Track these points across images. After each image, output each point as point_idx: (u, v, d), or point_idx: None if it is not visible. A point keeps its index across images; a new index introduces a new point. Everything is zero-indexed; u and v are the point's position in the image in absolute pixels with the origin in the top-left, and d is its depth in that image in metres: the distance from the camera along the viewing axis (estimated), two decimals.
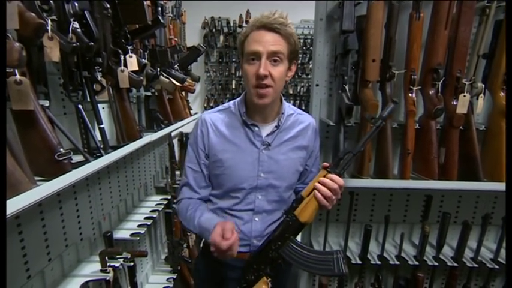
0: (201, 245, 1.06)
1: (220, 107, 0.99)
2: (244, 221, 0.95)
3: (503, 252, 1.43)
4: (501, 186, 1.19)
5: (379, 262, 1.41)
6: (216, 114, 0.96)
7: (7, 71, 0.58)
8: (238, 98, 0.97)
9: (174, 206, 1.62)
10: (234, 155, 0.92)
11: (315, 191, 0.80)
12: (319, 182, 0.80)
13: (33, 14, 0.62)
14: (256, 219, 0.95)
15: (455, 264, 1.41)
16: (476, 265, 1.41)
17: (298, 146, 0.95)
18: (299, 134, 0.96)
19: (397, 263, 1.40)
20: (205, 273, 1.03)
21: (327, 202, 0.80)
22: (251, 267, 0.89)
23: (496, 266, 1.40)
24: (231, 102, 0.98)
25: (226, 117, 0.95)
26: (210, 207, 0.99)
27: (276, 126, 0.93)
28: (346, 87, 1.22)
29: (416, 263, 1.40)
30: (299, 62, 3.24)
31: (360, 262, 1.40)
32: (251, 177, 0.92)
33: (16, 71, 0.58)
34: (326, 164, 0.82)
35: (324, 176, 0.81)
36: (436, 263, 1.40)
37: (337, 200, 0.83)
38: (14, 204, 0.54)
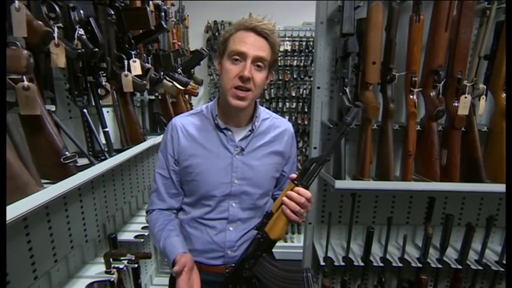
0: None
1: (193, 110, 0.96)
2: (218, 231, 0.90)
3: None
4: (505, 187, 1.18)
5: (382, 264, 1.40)
6: (187, 118, 0.93)
7: (16, 77, 0.60)
8: (211, 102, 0.94)
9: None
10: (205, 160, 0.88)
11: (283, 206, 0.77)
12: (286, 196, 0.77)
13: (40, 22, 0.65)
14: (231, 228, 0.90)
15: (459, 267, 1.39)
16: (480, 267, 1.39)
17: (273, 151, 0.92)
18: (275, 139, 0.93)
19: (400, 265, 1.39)
20: None
21: (296, 217, 0.77)
22: (227, 287, 0.83)
23: (501, 269, 1.38)
24: (204, 105, 0.95)
25: (198, 121, 0.92)
26: (183, 217, 0.95)
27: (250, 131, 0.89)
28: (347, 90, 1.23)
29: (420, 265, 1.39)
30: (302, 64, 3.25)
31: (362, 264, 1.40)
32: (224, 183, 0.88)
33: (24, 77, 0.60)
34: (294, 175, 0.79)
35: (292, 190, 0.77)
36: (439, 265, 1.39)
37: (307, 212, 0.79)
38: (22, 206, 0.56)
